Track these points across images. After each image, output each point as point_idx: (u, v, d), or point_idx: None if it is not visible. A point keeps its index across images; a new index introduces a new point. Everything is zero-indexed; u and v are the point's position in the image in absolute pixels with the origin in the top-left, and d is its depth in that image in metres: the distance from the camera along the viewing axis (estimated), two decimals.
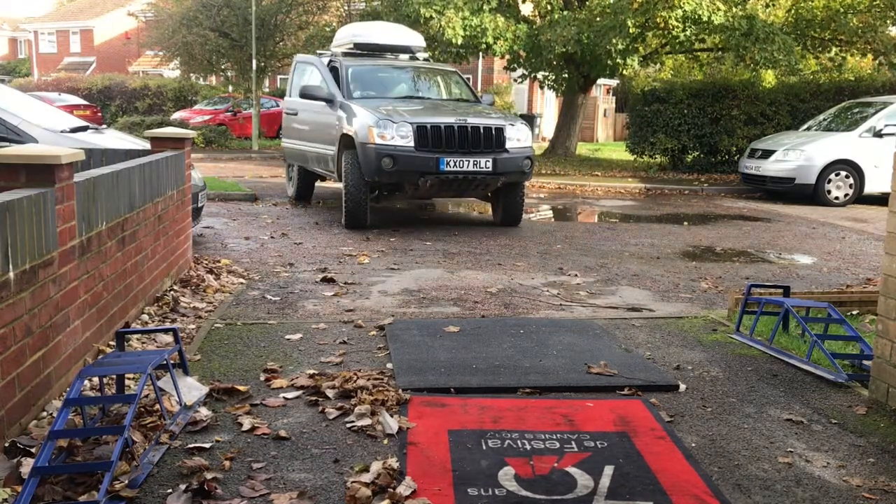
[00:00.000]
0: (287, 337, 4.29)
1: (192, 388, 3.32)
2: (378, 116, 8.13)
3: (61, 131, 6.41)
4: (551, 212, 11.12)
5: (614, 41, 14.11)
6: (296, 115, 10.43)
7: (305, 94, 9.28)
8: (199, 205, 6.94)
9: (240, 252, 7.00)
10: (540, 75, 18.21)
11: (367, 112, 8.28)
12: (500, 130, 8.29)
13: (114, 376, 3.32)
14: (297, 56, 11.53)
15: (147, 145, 5.97)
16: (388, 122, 8.05)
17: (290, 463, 2.78)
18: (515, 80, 22.10)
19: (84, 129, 6.94)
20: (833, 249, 8.13)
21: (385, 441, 2.97)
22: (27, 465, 2.54)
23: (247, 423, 3.07)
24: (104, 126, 9.91)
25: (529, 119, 23.09)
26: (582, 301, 5.54)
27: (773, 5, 17.21)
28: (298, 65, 10.85)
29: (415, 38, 10.66)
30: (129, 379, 3.43)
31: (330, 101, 9.07)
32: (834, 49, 16.64)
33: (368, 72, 9.70)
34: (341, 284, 5.79)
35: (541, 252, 7.44)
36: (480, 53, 16.95)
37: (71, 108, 20.27)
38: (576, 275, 6.44)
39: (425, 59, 10.86)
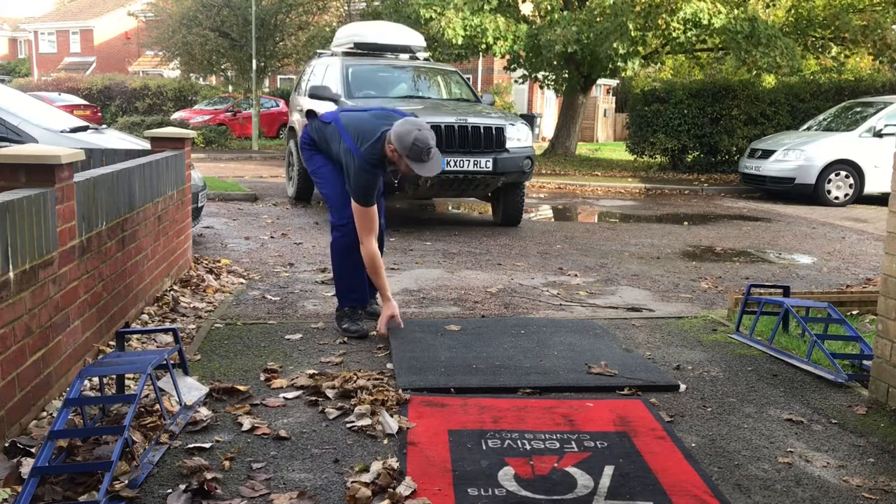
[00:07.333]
0: (287, 337, 4.29)
1: (192, 388, 3.32)
2: None
3: (61, 131, 6.41)
4: (551, 212, 11.12)
5: (615, 45, 14.09)
6: None
7: (314, 94, 9.22)
8: (200, 205, 6.94)
9: (240, 252, 6.99)
10: (540, 75, 18.21)
11: None
12: (500, 130, 8.28)
13: (114, 376, 3.31)
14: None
15: (147, 145, 5.97)
16: None
17: (290, 463, 2.77)
18: (516, 81, 22.12)
19: (84, 129, 6.94)
20: (833, 249, 8.13)
21: (385, 441, 2.97)
22: (27, 465, 2.53)
23: (247, 423, 3.07)
24: (104, 126, 9.90)
25: (529, 119, 23.06)
26: (582, 301, 5.54)
27: (773, 5, 17.19)
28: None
29: (415, 38, 10.65)
30: (129, 379, 3.43)
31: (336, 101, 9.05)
32: (835, 48, 16.60)
33: (368, 71, 9.69)
34: None
35: (541, 252, 7.44)
36: (480, 53, 16.95)
37: (71, 108, 20.31)
38: (576, 275, 6.43)
39: (425, 59, 10.85)
